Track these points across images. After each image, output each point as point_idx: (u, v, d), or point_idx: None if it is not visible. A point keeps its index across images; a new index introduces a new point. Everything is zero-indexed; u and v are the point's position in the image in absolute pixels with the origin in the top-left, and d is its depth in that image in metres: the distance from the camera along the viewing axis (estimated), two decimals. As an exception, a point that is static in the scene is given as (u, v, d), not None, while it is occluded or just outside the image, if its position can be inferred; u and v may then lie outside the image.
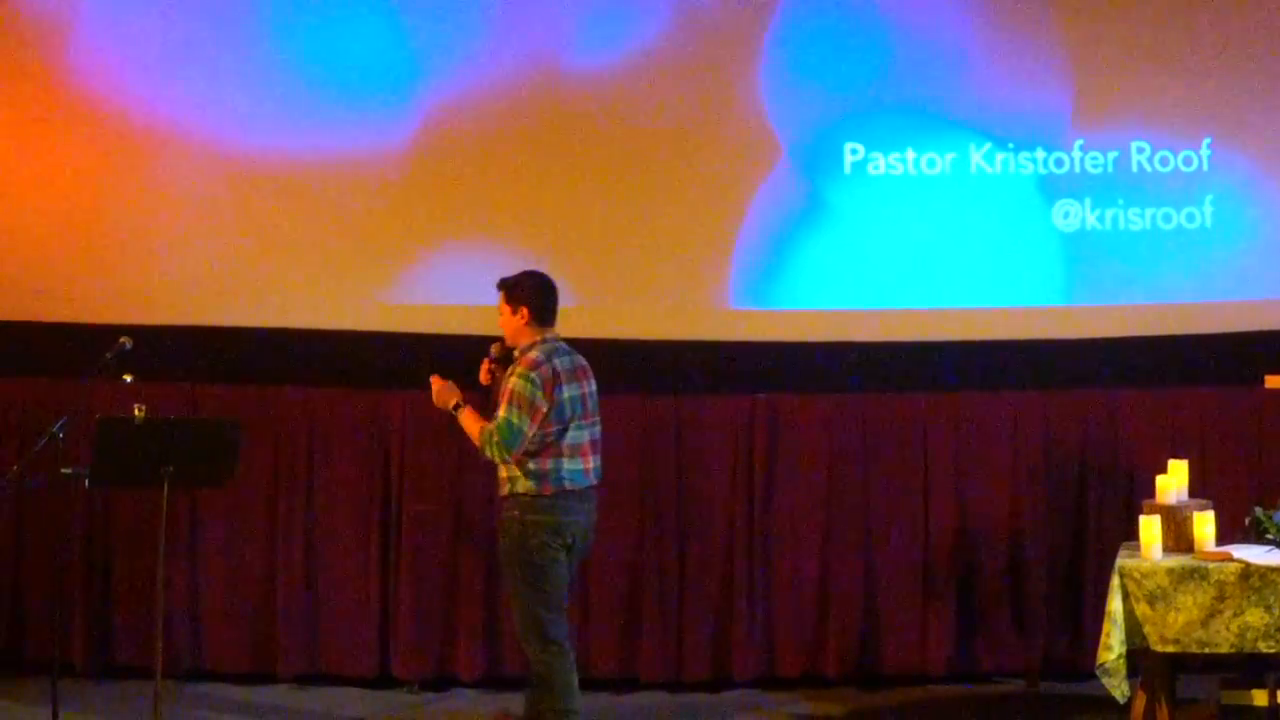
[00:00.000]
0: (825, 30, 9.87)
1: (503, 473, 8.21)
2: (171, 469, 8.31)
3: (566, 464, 8.19)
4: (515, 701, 9.55)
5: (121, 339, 8.68)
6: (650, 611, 9.85)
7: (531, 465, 8.13)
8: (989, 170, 9.89)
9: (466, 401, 8.27)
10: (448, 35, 9.91)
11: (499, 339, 8.40)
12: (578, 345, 9.82)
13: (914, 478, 9.89)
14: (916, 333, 9.89)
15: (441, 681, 9.89)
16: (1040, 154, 9.87)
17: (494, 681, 9.89)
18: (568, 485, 8.17)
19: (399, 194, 9.95)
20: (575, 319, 9.77)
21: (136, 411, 8.33)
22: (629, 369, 9.90)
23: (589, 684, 9.75)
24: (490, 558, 9.83)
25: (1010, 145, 9.87)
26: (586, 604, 9.84)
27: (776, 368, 9.94)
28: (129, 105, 9.96)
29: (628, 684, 9.88)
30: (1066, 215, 9.88)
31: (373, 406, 9.83)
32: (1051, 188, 9.88)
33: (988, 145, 9.87)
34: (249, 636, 9.96)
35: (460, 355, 9.78)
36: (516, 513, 8.15)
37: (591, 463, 8.30)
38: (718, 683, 9.87)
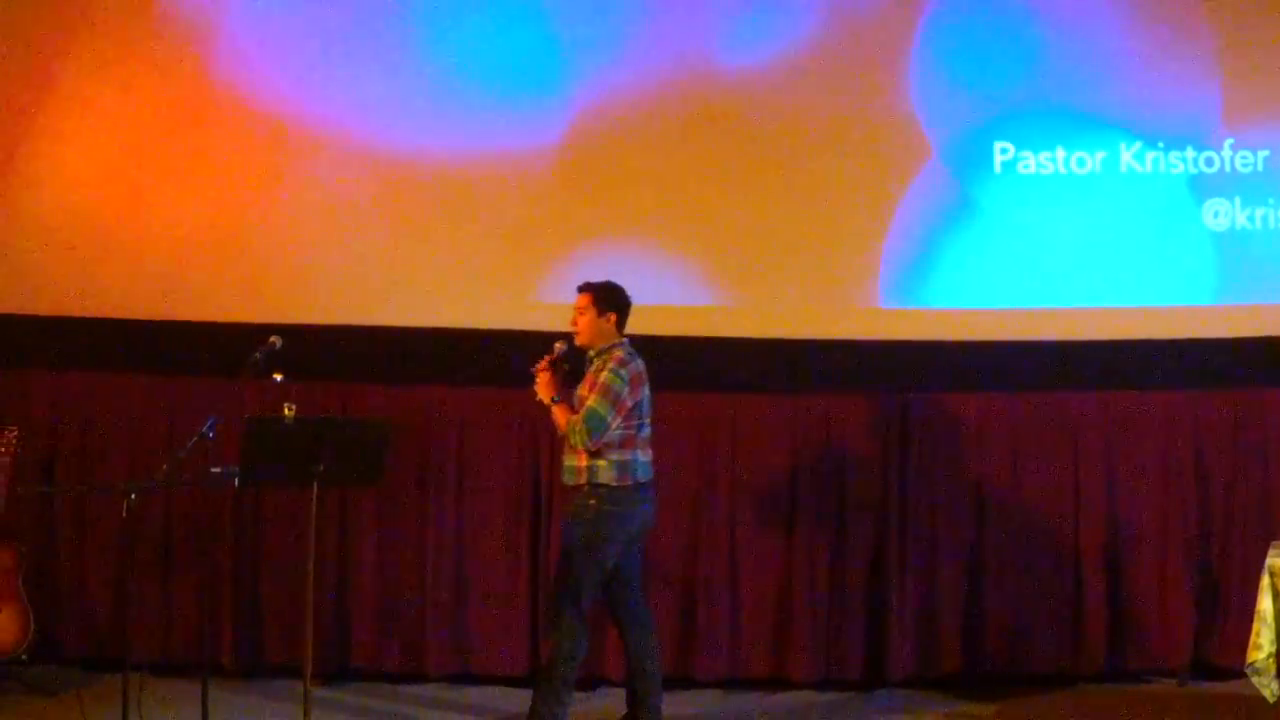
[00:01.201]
0: (975, 29, 9.88)
1: (579, 462, 8.60)
2: (321, 468, 8.33)
3: (640, 456, 8.71)
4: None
5: (271, 338, 8.70)
6: (801, 611, 9.85)
7: (614, 456, 8.61)
8: (1139, 169, 9.88)
9: (563, 398, 8.66)
10: (598, 33, 9.93)
11: (566, 336, 8.73)
12: (724, 345, 9.91)
13: (1063, 477, 9.89)
14: (1066, 332, 9.88)
15: (590, 680, 9.85)
16: (1190, 153, 9.86)
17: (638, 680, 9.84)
18: (640, 477, 8.69)
19: (549, 193, 9.97)
20: (723, 318, 9.88)
21: (286, 411, 8.34)
22: (778, 368, 9.95)
23: (740, 684, 9.83)
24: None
25: (1160, 144, 9.86)
26: (736, 605, 9.87)
27: (925, 367, 9.94)
28: (278, 105, 10.00)
29: (780, 684, 9.87)
30: (1216, 214, 9.87)
31: (523, 406, 9.78)
32: (1201, 187, 9.87)
33: (1138, 144, 9.87)
34: (398, 635, 9.96)
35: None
36: (594, 502, 8.58)
37: (651, 456, 8.80)
38: (870, 682, 9.87)
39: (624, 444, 8.61)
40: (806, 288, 9.95)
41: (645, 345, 9.71)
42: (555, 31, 9.94)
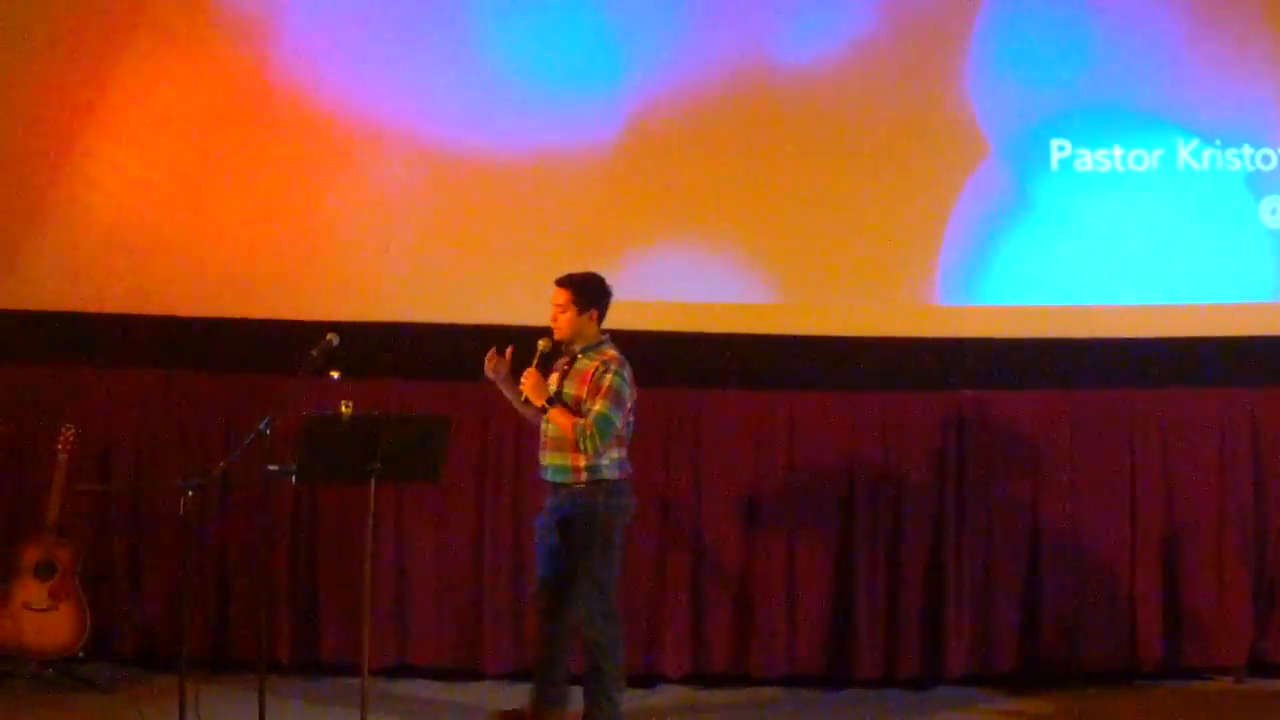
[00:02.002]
0: (1032, 27, 9.88)
1: (578, 461, 8.58)
2: (378, 465, 8.31)
3: (625, 452, 8.76)
4: (713, 696, 9.69)
5: (328, 335, 8.69)
6: (860, 610, 9.84)
7: (615, 454, 8.65)
8: (1196, 167, 9.88)
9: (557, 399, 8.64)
10: (653, 31, 9.94)
11: (546, 333, 8.69)
12: (783, 342, 9.91)
13: (1122, 474, 9.89)
14: (1123, 329, 9.88)
15: (648, 679, 9.87)
16: (1247, 150, 9.87)
17: (699, 679, 9.89)
18: (629, 470, 8.77)
19: (604, 190, 9.99)
20: (781, 316, 9.88)
21: (343, 408, 8.33)
22: (834, 366, 9.94)
23: (799, 681, 9.82)
24: (696, 554, 9.89)
25: (1217, 141, 9.86)
26: (794, 605, 9.87)
27: (982, 364, 9.94)
28: (336, 103, 10.02)
29: (838, 681, 9.86)
30: (1274, 211, 9.87)
31: (581, 402, 9.83)
32: (1259, 184, 9.87)
33: (1195, 141, 9.87)
34: (455, 633, 9.95)
35: (666, 351, 9.88)
36: (601, 498, 8.60)
37: None
38: (927, 679, 9.85)
39: (619, 441, 8.67)
40: (863, 285, 9.96)
41: (699, 342, 9.78)
42: (610, 28, 9.96)
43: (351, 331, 8.91)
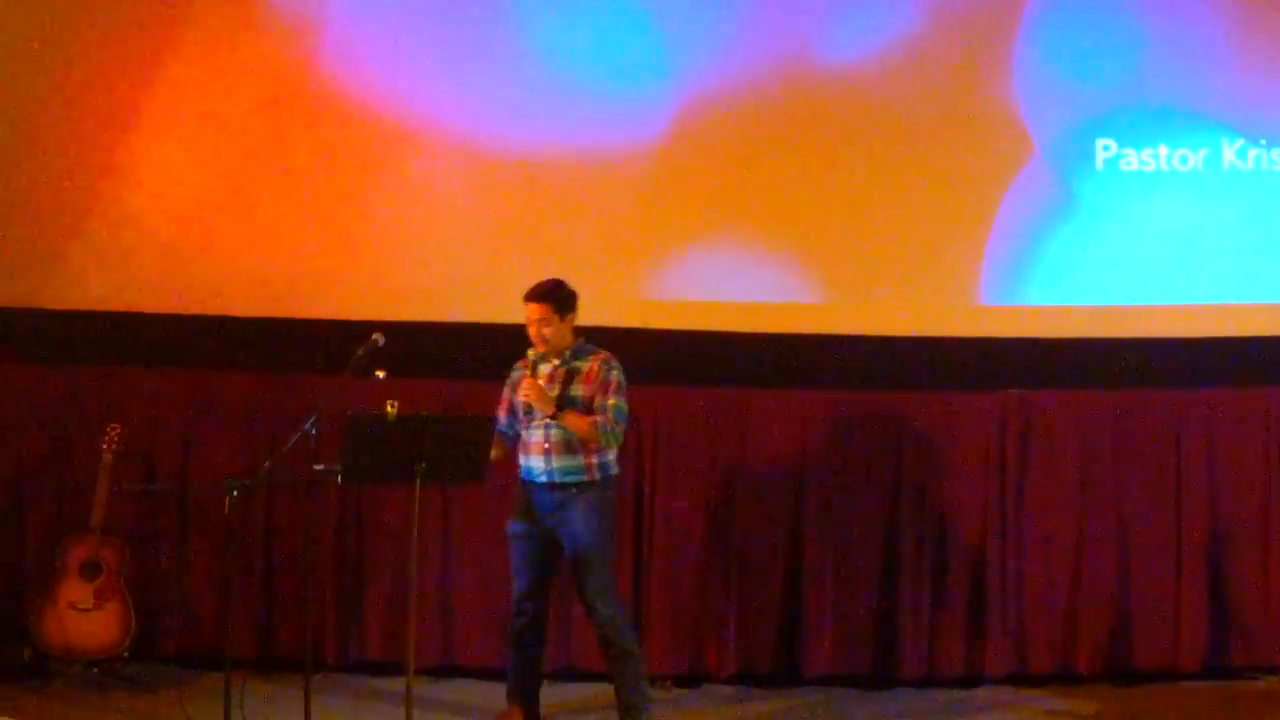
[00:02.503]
0: (1078, 26, 9.88)
1: (588, 459, 8.76)
2: (424, 465, 8.29)
3: None
4: (760, 698, 9.71)
5: (374, 335, 8.71)
6: (904, 609, 9.85)
7: (615, 449, 8.88)
8: (1241, 166, 9.89)
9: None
10: (698, 30, 9.94)
11: (530, 348, 8.80)
12: (828, 342, 9.91)
13: (1167, 473, 9.88)
14: (1169, 329, 9.89)
15: (694, 678, 9.89)
16: (1292, 150, 9.91)
17: (747, 678, 9.89)
18: None
19: (650, 189, 10.00)
20: (826, 315, 9.88)
21: (389, 408, 8.32)
22: (880, 366, 9.94)
23: (844, 680, 9.82)
24: (742, 553, 9.89)
25: (1263, 142, 9.87)
26: (841, 600, 9.87)
27: (1028, 364, 9.93)
28: (380, 101, 10.02)
29: (881, 681, 9.87)
30: (1320, 211, 9.90)
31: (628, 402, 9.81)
32: (1304, 184, 9.90)
33: (1240, 142, 9.87)
34: (500, 632, 9.92)
35: (709, 350, 9.89)
36: (609, 493, 8.86)
37: None
38: (970, 679, 9.86)
39: None
40: (908, 284, 9.97)
41: (742, 342, 9.76)
42: (656, 27, 9.96)
43: (397, 331, 8.91)
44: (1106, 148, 9.89)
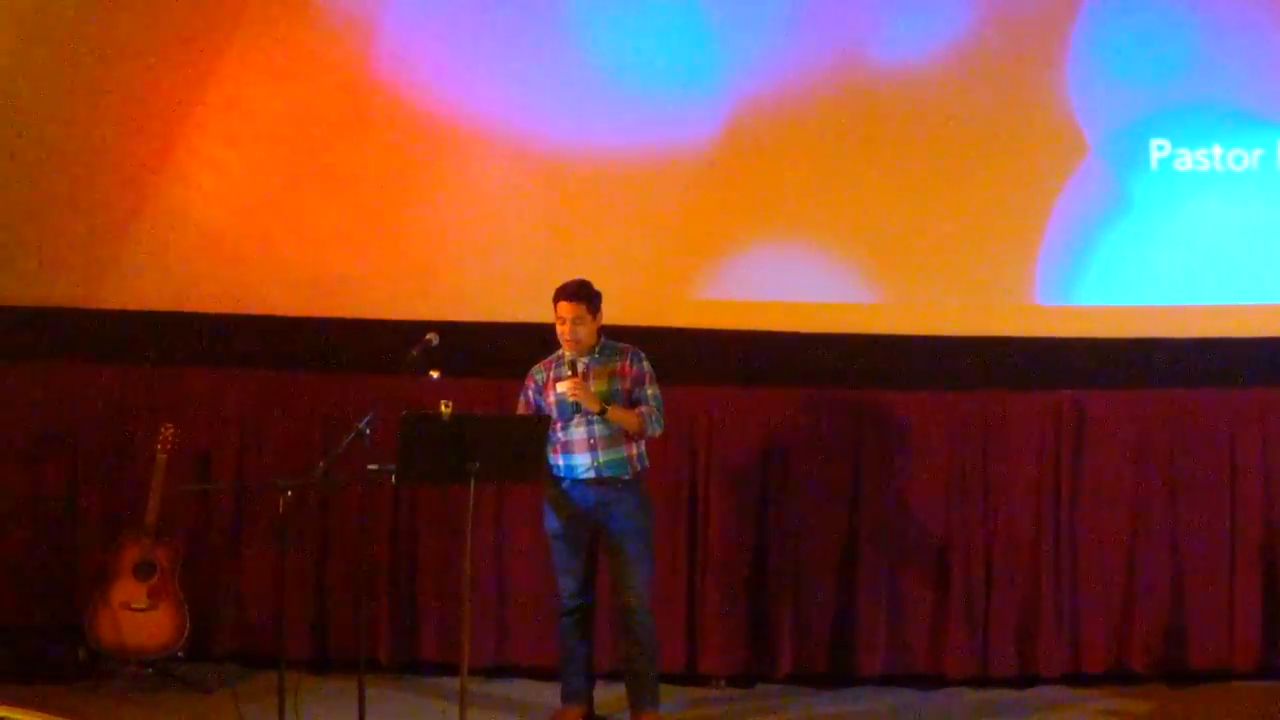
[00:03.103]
0: (1132, 26, 9.84)
1: (630, 451, 8.91)
2: (478, 465, 8.29)
3: None
4: (814, 698, 9.71)
5: (428, 335, 8.73)
6: (956, 608, 9.85)
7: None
8: (1296, 166, 9.90)
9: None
10: (754, 30, 9.92)
11: (557, 350, 8.98)
12: (881, 342, 9.91)
13: (1221, 473, 9.85)
14: (1222, 329, 9.85)
15: (748, 678, 9.90)
16: (1348, 150, 9.88)
17: (801, 678, 9.89)
18: None
19: (705, 189, 9.98)
20: (880, 315, 9.89)
21: (443, 408, 8.33)
22: (935, 366, 9.94)
23: (898, 680, 9.82)
24: (798, 552, 9.90)
25: (1319, 141, 9.88)
26: (898, 602, 9.87)
27: (1083, 364, 9.92)
28: (434, 102, 10.03)
29: (935, 681, 9.87)
30: (1375, 212, 9.88)
31: (678, 402, 9.77)
32: (1360, 184, 9.87)
33: (1295, 141, 9.89)
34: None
35: (764, 350, 9.89)
36: (645, 484, 9.01)
37: None
38: (1024, 679, 9.85)
39: None
40: (962, 284, 9.95)
41: (796, 342, 9.75)
42: (711, 27, 9.94)
43: (451, 331, 8.94)
44: (1160, 147, 9.87)
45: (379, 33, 10.03)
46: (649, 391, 8.91)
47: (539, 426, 8.65)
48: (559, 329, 8.88)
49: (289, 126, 10.10)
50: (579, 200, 10.03)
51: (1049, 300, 9.91)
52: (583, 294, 8.86)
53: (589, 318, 8.85)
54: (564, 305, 8.83)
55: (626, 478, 8.87)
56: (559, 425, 8.86)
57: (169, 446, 9.67)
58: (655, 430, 8.91)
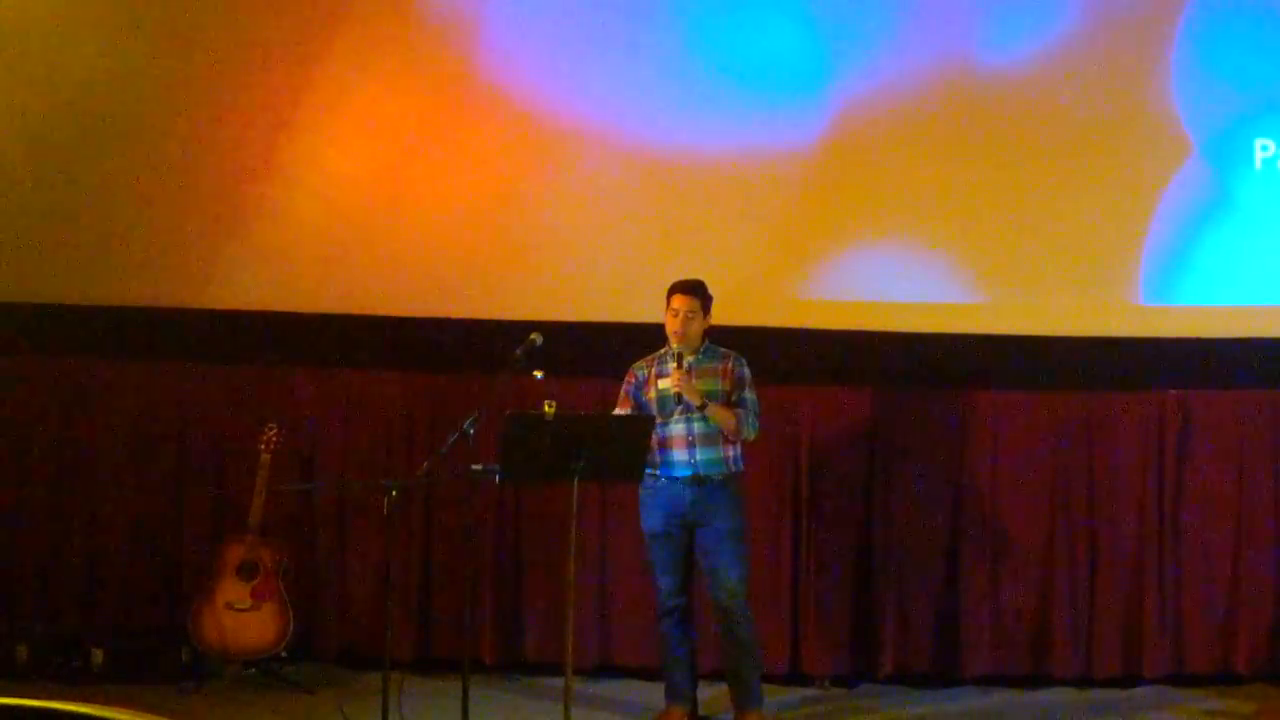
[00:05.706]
0: (1237, 25, 9.82)
1: (728, 452, 8.93)
2: (582, 465, 8.25)
3: None
4: (916, 698, 9.70)
5: (532, 335, 8.69)
6: (1060, 609, 9.83)
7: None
8: (1399, 166, 9.88)
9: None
10: (858, 32, 9.92)
11: (664, 347, 9.00)
12: (984, 342, 9.90)
13: (1327, 475, 9.85)
14: (1328, 329, 9.86)
15: (853, 678, 9.90)
16: None
17: (904, 678, 9.89)
18: None
19: (810, 190, 9.98)
20: (981, 315, 9.88)
21: (547, 407, 8.29)
22: (1038, 366, 9.93)
23: (998, 680, 9.81)
24: (901, 552, 9.90)
25: None
26: (998, 603, 9.85)
27: (1187, 364, 9.89)
28: (539, 102, 10.03)
29: (1039, 681, 9.85)
30: None
31: (782, 401, 9.79)
32: None
33: (1399, 141, 9.87)
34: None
35: (867, 349, 9.89)
36: (740, 488, 8.96)
37: None
38: (1127, 679, 9.83)
39: None
40: (1065, 284, 9.93)
41: (904, 341, 9.75)
42: (815, 29, 9.95)
43: (555, 331, 8.91)
44: (1265, 147, 9.85)
45: (483, 32, 10.04)
46: (748, 395, 8.94)
47: (643, 426, 8.64)
48: (669, 322, 8.89)
49: (394, 127, 10.11)
50: (685, 201, 10.02)
51: (1152, 300, 9.90)
52: (698, 290, 8.92)
53: (700, 314, 8.90)
54: (679, 298, 8.87)
55: (721, 477, 8.88)
56: (661, 421, 8.87)
57: (273, 446, 9.68)
58: (750, 433, 8.92)
